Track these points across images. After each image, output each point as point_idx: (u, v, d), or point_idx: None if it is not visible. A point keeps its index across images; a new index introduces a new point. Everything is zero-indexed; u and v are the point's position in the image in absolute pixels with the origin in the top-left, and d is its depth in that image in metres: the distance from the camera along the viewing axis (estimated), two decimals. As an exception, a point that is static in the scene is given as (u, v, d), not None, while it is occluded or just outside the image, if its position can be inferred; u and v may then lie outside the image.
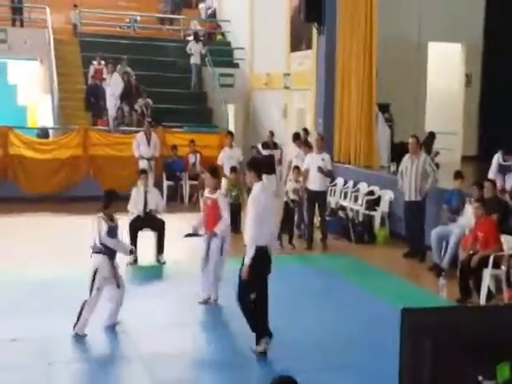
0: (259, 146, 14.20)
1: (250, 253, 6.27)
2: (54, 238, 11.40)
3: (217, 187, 8.22)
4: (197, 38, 19.63)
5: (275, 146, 13.84)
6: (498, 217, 8.67)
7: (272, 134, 14.25)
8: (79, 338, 6.94)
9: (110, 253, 7.06)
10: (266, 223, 6.34)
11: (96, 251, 7.03)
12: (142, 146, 14.51)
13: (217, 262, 8.02)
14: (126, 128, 16.35)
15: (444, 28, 15.48)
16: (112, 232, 7.09)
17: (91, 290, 6.96)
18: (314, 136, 12.85)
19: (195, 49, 19.17)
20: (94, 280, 6.96)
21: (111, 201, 7.12)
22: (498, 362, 3.40)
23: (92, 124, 16.74)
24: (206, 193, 8.20)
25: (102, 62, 17.75)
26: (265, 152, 13.95)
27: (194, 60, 19.12)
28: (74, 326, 6.98)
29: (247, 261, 6.30)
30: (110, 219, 7.11)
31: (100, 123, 16.72)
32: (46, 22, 18.82)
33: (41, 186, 14.67)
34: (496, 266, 8.07)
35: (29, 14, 20.41)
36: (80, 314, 6.96)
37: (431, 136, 13.37)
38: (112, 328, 7.23)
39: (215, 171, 8.33)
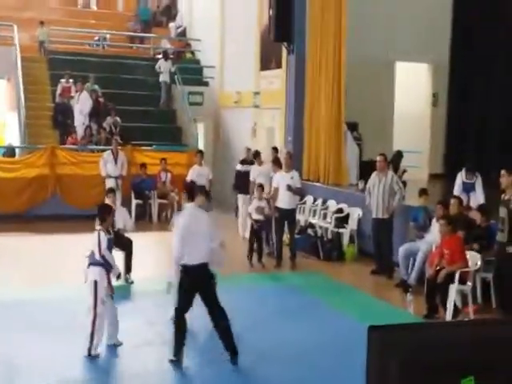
0: (238, 165, 14.07)
1: (171, 270, 6.64)
2: (18, 258, 11.21)
3: None
4: (166, 56, 19.64)
5: (252, 162, 13.83)
6: (464, 234, 8.78)
7: (248, 149, 14.21)
8: (93, 359, 6.84)
9: (107, 266, 7.01)
10: (192, 244, 6.48)
11: (94, 263, 6.98)
12: (108, 165, 14.42)
13: None
14: (94, 147, 16.22)
15: (411, 48, 15.75)
16: (110, 245, 7.08)
17: (95, 306, 6.86)
18: (283, 154, 12.92)
19: (164, 67, 19.17)
20: (96, 293, 6.89)
21: (107, 214, 7.17)
22: (464, 376, 3.42)
23: (60, 142, 16.56)
24: None
25: (71, 80, 17.63)
26: (241, 168, 13.78)
27: (163, 78, 19.11)
28: (89, 350, 6.85)
29: (169, 278, 6.71)
30: (108, 232, 7.11)
31: (70, 140, 16.54)
32: (13, 40, 18.66)
33: (6, 205, 14.42)
34: (462, 281, 8.15)
35: (-4, 31, 20.21)
36: (92, 334, 6.85)
37: (399, 155, 13.50)
38: (113, 348, 7.16)
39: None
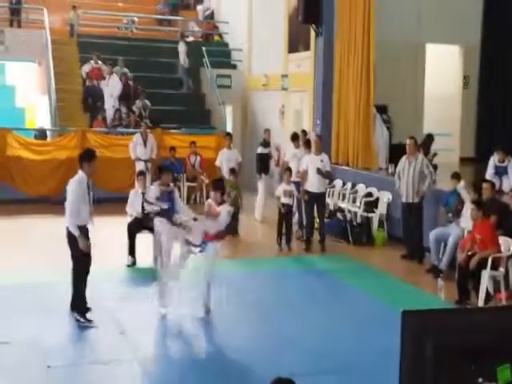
0: (259, 148, 14.39)
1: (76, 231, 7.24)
2: (50, 240, 11.34)
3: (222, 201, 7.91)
4: (183, 38, 19.40)
5: (269, 144, 14.29)
6: (497, 218, 8.68)
7: (267, 130, 14.66)
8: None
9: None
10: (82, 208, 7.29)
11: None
12: (138, 148, 14.49)
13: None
14: (123, 130, 16.32)
15: (442, 30, 15.48)
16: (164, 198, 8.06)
17: None
18: (312, 137, 12.87)
19: (182, 49, 19.02)
20: None
21: (160, 172, 8.42)
22: (499, 363, 3.39)
23: (89, 125, 16.71)
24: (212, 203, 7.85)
25: (99, 62, 17.71)
26: (263, 150, 14.18)
27: (182, 61, 18.95)
28: None
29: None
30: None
31: (95, 124, 16.66)
32: (43, 23, 18.80)
33: (38, 187, 14.63)
34: (494, 267, 8.07)
35: (26, 15, 20.38)
36: None
37: (429, 138, 13.36)
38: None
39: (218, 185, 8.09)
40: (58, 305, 7.87)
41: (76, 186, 7.26)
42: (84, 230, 7.29)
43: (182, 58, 18.91)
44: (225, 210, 7.77)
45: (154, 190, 8.25)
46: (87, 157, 7.47)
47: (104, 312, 7.44)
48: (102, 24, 21.47)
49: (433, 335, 3.57)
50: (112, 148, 15.28)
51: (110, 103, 16.84)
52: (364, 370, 6.26)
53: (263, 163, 13.91)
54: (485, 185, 9.18)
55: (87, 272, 7.44)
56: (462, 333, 3.57)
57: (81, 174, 7.36)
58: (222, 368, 6.47)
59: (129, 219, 10.07)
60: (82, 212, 7.23)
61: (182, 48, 18.95)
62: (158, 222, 8.04)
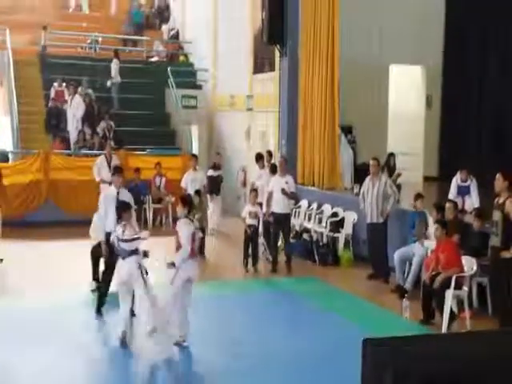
0: (209, 170, 14.74)
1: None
2: (10, 265, 11.12)
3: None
4: (116, 56, 19.10)
5: (219, 167, 14.89)
6: (459, 238, 8.77)
7: (218, 154, 15.24)
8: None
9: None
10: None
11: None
12: (102, 170, 14.30)
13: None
14: (87, 151, 16.15)
15: (405, 50, 15.73)
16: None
17: None
18: (277, 158, 12.90)
19: (115, 66, 18.73)
20: None
21: (123, 211, 7.44)
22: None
23: (53, 147, 16.50)
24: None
25: (63, 84, 17.56)
26: (213, 173, 14.54)
27: (114, 78, 18.61)
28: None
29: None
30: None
31: (55, 146, 16.41)
32: (5, 43, 18.59)
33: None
34: (458, 286, 8.13)
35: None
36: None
37: (391, 156, 13.44)
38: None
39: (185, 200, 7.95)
40: (24, 332, 7.70)
41: (102, 197, 8.63)
42: (107, 236, 8.21)
43: (114, 76, 18.66)
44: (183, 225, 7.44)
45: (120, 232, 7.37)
46: (113, 171, 8.90)
47: (70, 340, 7.25)
48: (66, 44, 21.31)
49: (392, 362, 3.58)
50: (76, 170, 15.09)
51: (74, 125, 16.67)
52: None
53: (213, 185, 14.32)
54: (448, 205, 9.29)
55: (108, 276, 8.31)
56: (422, 361, 3.58)
57: (111, 186, 8.67)
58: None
59: (93, 243, 9.89)
60: (107, 219, 8.28)
61: (114, 66, 18.73)
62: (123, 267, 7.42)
